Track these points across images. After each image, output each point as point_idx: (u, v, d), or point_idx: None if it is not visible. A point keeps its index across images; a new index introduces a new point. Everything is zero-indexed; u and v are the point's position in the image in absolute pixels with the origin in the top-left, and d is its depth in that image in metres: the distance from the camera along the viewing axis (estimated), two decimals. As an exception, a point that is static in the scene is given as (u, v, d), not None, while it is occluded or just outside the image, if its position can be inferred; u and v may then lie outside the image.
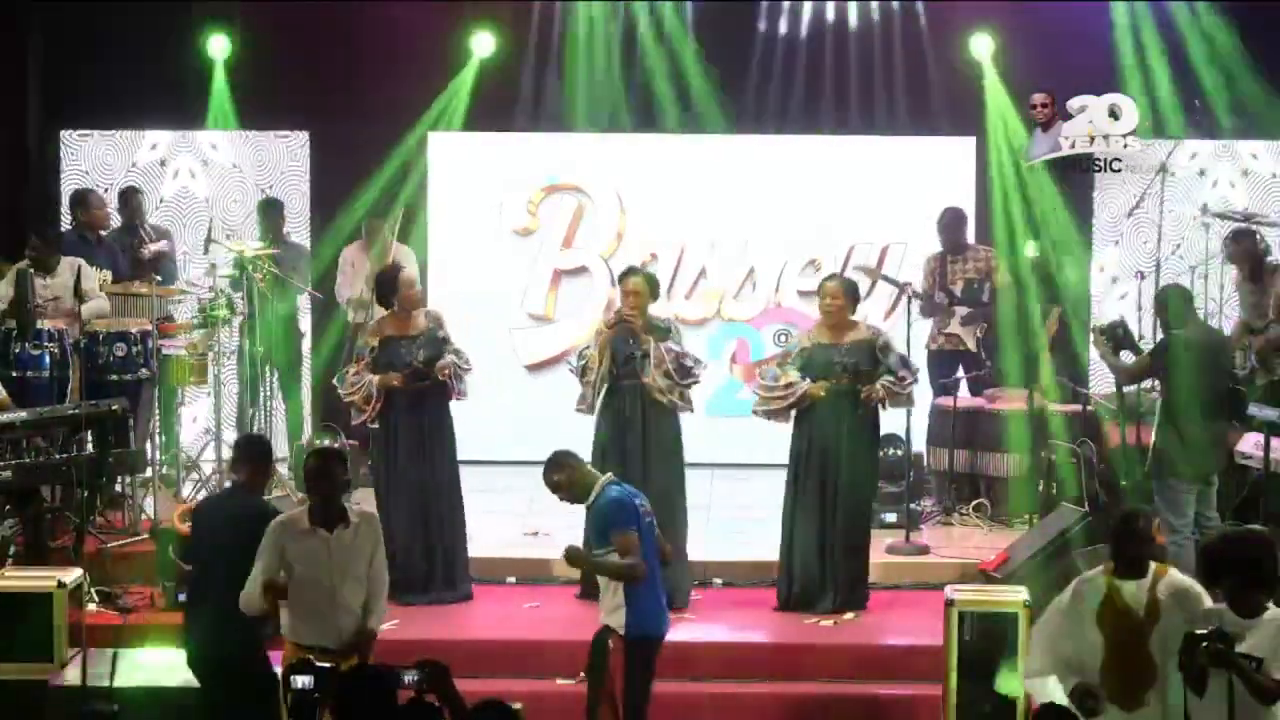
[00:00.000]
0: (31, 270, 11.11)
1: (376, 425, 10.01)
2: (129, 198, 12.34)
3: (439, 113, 12.86)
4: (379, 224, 12.34)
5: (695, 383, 9.84)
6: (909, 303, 11.17)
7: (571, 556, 8.00)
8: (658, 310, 9.66)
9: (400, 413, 9.88)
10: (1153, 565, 7.12)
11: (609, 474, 8.07)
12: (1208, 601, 7.12)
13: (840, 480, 9.71)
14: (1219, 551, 6.86)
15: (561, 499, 8.02)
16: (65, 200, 13.19)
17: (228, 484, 8.29)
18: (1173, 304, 9.68)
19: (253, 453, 8.17)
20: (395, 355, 9.92)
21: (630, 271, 10.02)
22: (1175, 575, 7.14)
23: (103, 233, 12.01)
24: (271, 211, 12.62)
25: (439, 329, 10.01)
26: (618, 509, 7.83)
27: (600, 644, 7.85)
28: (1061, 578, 9.30)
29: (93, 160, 13.31)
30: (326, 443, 11.49)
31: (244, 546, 7.64)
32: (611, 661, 7.79)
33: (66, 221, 12.89)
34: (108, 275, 11.63)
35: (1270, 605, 6.69)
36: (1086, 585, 7.15)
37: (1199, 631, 6.58)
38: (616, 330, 9.76)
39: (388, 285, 10.06)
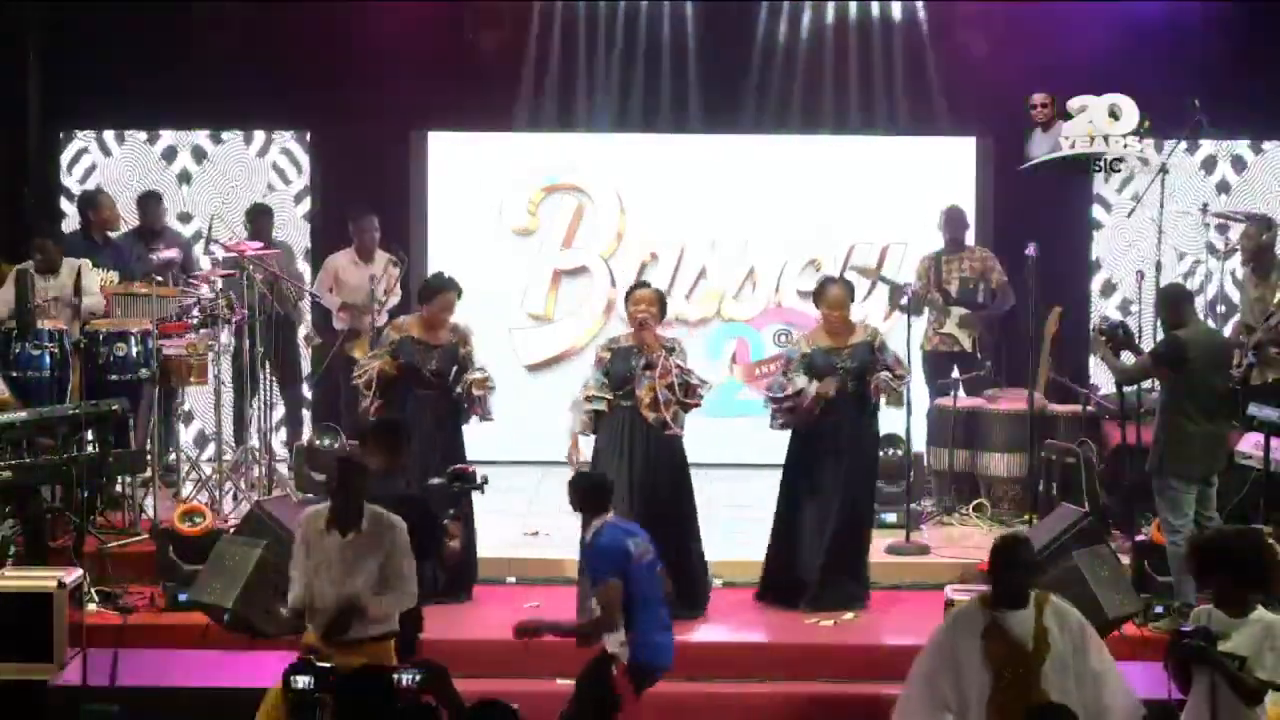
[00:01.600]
0: (32, 270, 11.11)
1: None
2: (148, 203, 12.31)
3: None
4: (367, 224, 12.28)
5: (696, 405, 9.67)
6: (907, 304, 11.17)
7: (524, 631, 7.92)
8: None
9: (410, 415, 9.83)
10: (1033, 593, 6.97)
11: (609, 514, 7.97)
12: (1090, 629, 7.07)
13: (839, 481, 9.72)
14: (1208, 549, 6.85)
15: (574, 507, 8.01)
16: (65, 200, 13.25)
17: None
18: (1173, 304, 9.67)
19: (384, 438, 8.21)
20: (409, 357, 9.90)
21: (640, 285, 9.91)
22: (1057, 601, 7.03)
23: (111, 234, 11.99)
24: (260, 217, 12.59)
25: (462, 346, 9.98)
26: (600, 557, 7.81)
27: (603, 672, 7.80)
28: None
29: (93, 160, 13.33)
30: (327, 442, 11.49)
31: None
32: (618, 688, 7.77)
33: (75, 221, 12.93)
34: (113, 276, 11.62)
35: (1259, 605, 6.69)
36: (963, 619, 6.96)
37: (1183, 629, 6.58)
38: (619, 349, 9.61)
39: (427, 294, 10.04)
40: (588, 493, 7.99)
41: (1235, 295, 12.34)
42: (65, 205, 13.30)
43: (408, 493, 8.13)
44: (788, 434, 9.89)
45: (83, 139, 13.36)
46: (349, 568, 7.63)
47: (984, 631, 6.88)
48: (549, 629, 7.91)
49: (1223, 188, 13.13)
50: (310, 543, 7.72)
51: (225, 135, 13.33)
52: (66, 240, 12.00)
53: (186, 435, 12.74)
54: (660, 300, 9.71)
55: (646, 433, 9.50)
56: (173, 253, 12.03)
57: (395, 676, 6.46)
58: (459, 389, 9.87)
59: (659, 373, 9.50)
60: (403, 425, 8.49)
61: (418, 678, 6.43)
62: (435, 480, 8.37)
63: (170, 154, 13.36)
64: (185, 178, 13.37)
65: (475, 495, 8.91)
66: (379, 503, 7.82)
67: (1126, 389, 10.70)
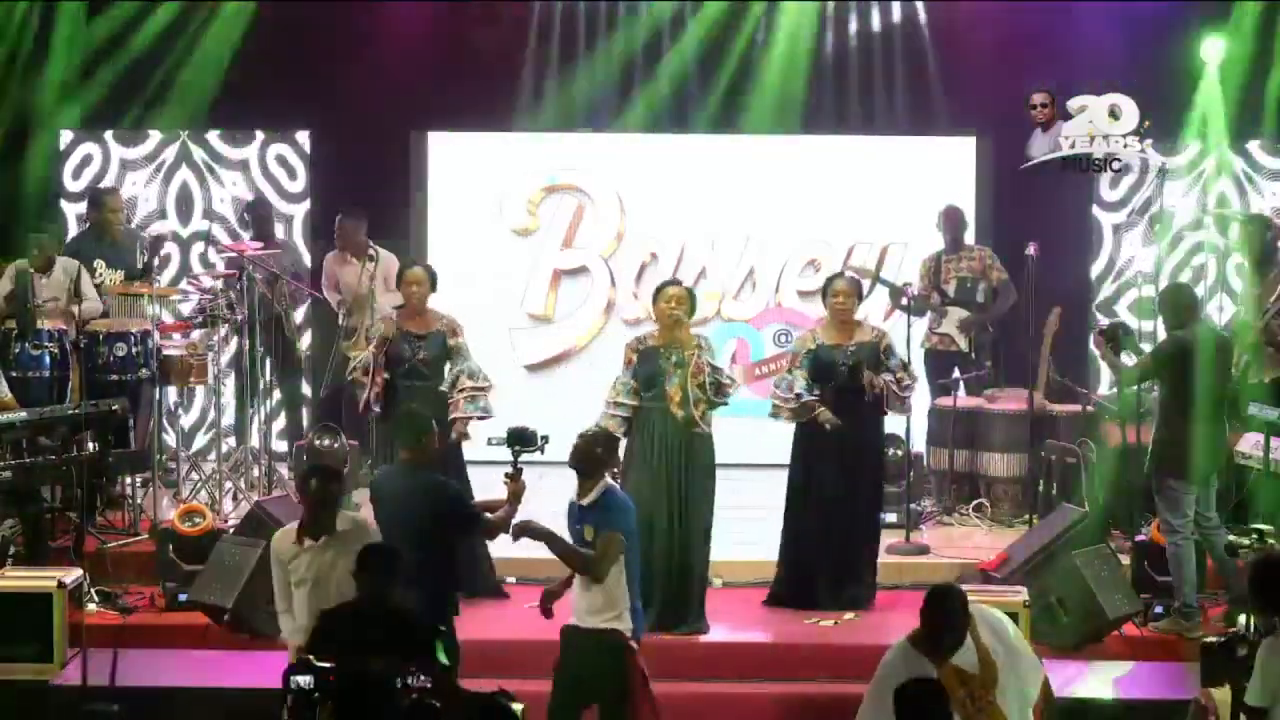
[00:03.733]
0: (32, 270, 11.10)
1: (379, 410, 9.96)
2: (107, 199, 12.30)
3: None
4: (350, 226, 12.22)
5: (724, 404, 9.64)
6: (908, 304, 11.16)
7: (530, 530, 7.85)
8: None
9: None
10: None
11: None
12: (1005, 619, 6.99)
13: (844, 481, 9.71)
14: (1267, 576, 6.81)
15: (573, 465, 7.93)
16: (65, 200, 13.23)
17: (397, 461, 8.35)
18: (1175, 304, 9.66)
19: (410, 428, 8.19)
20: (399, 348, 9.98)
21: (671, 282, 9.87)
22: (976, 612, 6.90)
23: (118, 231, 11.90)
24: (259, 211, 12.60)
25: (450, 337, 10.05)
26: (620, 509, 7.84)
27: (618, 650, 7.79)
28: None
29: (93, 160, 13.31)
30: (327, 443, 11.49)
31: (417, 519, 7.84)
32: (639, 664, 7.77)
33: (73, 217, 12.95)
34: (119, 275, 11.57)
35: None
36: (906, 664, 6.71)
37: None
38: (645, 350, 9.56)
39: (398, 281, 10.22)
40: (611, 450, 8.02)
41: (1234, 295, 12.34)
42: (65, 205, 13.28)
43: (437, 479, 8.11)
44: (790, 434, 9.89)
45: (83, 139, 13.33)
46: (328, 573, 7.64)
47: (939, 673, 6.71)
48: (549, 536, 7.84)
49: (1223, 191, 13.11)
50: (284, 563, 7.75)
51: (225, 135, 13.29)
52: (74, 238, 11.97)
53: (186, 421, 12.72)
54: (690, 298, 9.69)
55: (678, 432, 9.47)
56: (162, 229, 12.01)
57: (399, 679, 6.44)
58: (450, 390, 9.90)
59: (691, 370, 9.47)
60: (426, 415, 8.47)
61: (421, 679, 6.42)
62: (493, 439, 8.29)
63: (170, 154, 13.33)
64: (185, 178, 13.34)
65: (481, 492, 8.87)
66: (406, 491, 7.89)
67: (1127, 389, 10.70)
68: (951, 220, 12.15)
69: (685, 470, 9.50)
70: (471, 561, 9.74)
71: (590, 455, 7.92)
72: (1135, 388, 10.59)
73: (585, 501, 7.89)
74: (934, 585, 7.14)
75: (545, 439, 8.06)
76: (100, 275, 11.48)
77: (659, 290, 9.71)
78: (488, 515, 8.12)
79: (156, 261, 11.59)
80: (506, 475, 8.02)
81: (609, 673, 7.81)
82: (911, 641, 6.87)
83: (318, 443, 11.57)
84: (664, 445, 9.50)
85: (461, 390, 9.97)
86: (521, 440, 8.04)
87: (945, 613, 6.79)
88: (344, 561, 7.60)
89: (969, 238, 12.35)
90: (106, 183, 13.05)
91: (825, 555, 9.76)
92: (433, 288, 10.16)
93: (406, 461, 8.13)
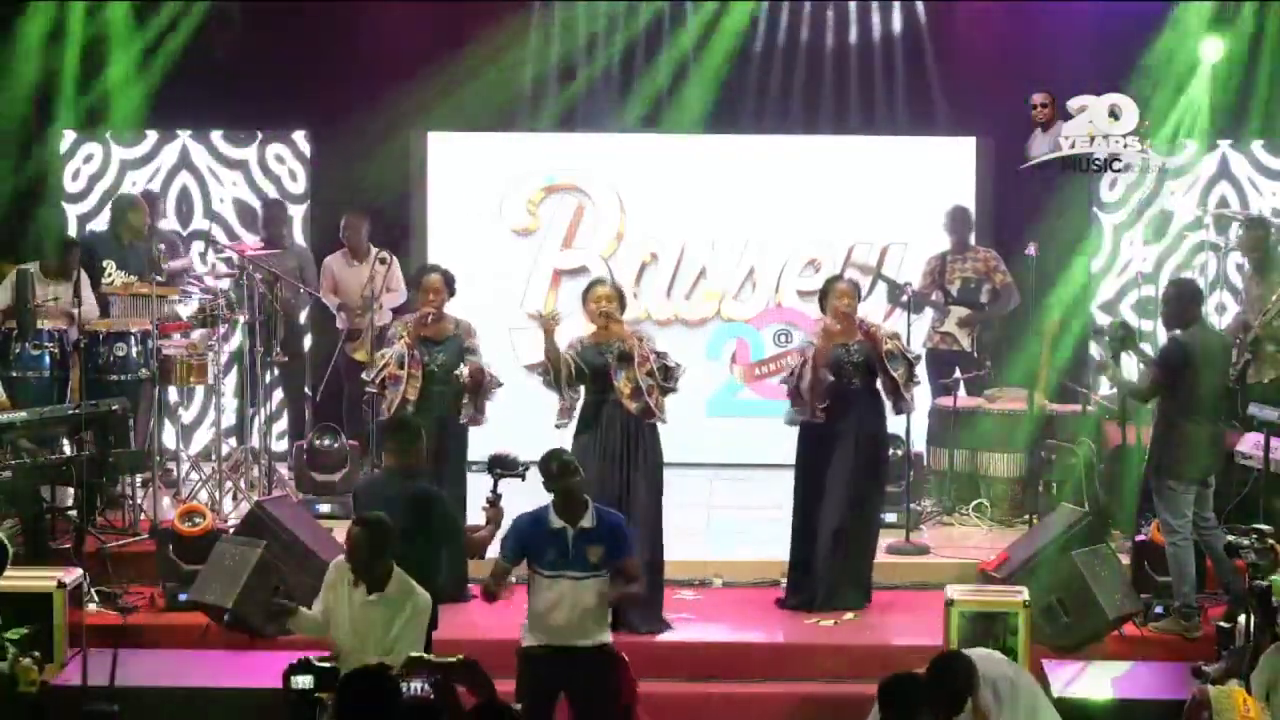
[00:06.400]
0: (32, 272, 11.10)
1: (413, 406, 9.79)
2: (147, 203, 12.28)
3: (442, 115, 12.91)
4: (356, 222, 12.24)
5: (673, 390, 9.53)
6: (909, 303, 11.17)
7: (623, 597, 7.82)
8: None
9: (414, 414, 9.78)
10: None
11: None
12: (1017, 671, 7.01)
13: (848, 479, 9.70)
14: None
15: (554, 490, 7.85)
16: (63, 199, 13.23)
17: (380, 468, 8.31)
18: (1179, 300, 9.59)
19: (395, 435, 8.18)
20: (418, 355, 9.92)
21: (597, 281, 9.80)
22: (984, 668, 6.91)
23: (141, 237, 11.86)
24: (275, 212, 12.60)
25: (466, 339, 10.02)
26: (624, 524, 7.84)
27: (619, 662, 7.79)
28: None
29: (93, 160, 13.30)
30: (328, 443, 11.48)
31: (403, 527, 7.71)
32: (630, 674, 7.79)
33: (73, 217, 12.93)
34: (134, 280, 11.52)
35: None
36: (895, 680, 6.66)
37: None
38: (586, 347, 9.49)
39: (415, 283, 10.21)
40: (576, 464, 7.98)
41: (1236, 293, 12.34)
42: (66, 206, 13.28)
43: (424, 487, 8.10)
44: (793, 434, 9.88)
45: (83, 139, 13.32)
46: (367, 624, 7.56)
47: None
48: (627, 597, 7.85)
49: (1223, 192, 13.11)
50: (335, 589, 7.68)
51: (225, 135, 13.29)
52: (94, 239, 11.96)
53: (186, 417, 12.71)
54: (620, 295, 9.62)
55: (627, 428, 9.41)
56: (183, 261, 12.03)
57: (399, 682, 6.44)
58: (460, 377, 9.88)
59: (638, 360, 9.43)
60: (416, 422, 8.47)
61: (425, 687, 6.41)
62: (474, 462, 8.24)
63: (170, 154, 13.33)
64: (185, 178, 13.34)
65: (481, 493, 8.85)
66: (391, 498, 7.83)
67: (1142, 404, 10.66)
68: (958, 221, 12.16)
69: (629, 465, 9.38)
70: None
71: (576, 478, 7.86)
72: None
73: (587, 525, 7.80)
74: (939, 655, 7.14)
75: (527, 465, 8.03)
76: (110, 275, 11.46)
77: (587, 290, 9.64)
78: (470, 536, 8.09)
79: (166, 264, 11.60)
80: (486, 500, 7.98)
81: (611, 685, 7.77)
82: None
83: (318, 443, 11.55)
84: (608, 440, 9.41)
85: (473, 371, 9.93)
86: (503, 465, 8.01)
87: (950, 684, 6.80)
88: (386, 622, 7.51)
89: (972, 238, 12.35)
90: (105, 183, 13.07)
91: (830, 555, 9.74)
92: (450, 293, 10.11)
93: (393, 469, 8.10)
